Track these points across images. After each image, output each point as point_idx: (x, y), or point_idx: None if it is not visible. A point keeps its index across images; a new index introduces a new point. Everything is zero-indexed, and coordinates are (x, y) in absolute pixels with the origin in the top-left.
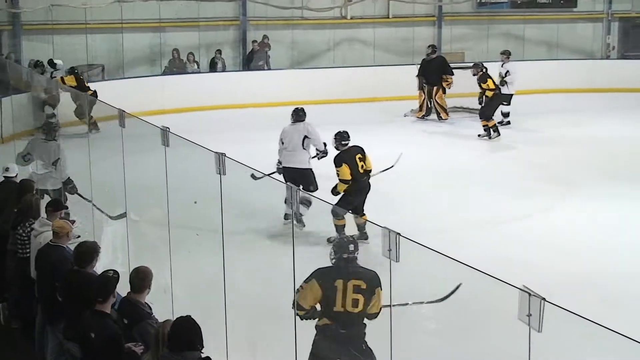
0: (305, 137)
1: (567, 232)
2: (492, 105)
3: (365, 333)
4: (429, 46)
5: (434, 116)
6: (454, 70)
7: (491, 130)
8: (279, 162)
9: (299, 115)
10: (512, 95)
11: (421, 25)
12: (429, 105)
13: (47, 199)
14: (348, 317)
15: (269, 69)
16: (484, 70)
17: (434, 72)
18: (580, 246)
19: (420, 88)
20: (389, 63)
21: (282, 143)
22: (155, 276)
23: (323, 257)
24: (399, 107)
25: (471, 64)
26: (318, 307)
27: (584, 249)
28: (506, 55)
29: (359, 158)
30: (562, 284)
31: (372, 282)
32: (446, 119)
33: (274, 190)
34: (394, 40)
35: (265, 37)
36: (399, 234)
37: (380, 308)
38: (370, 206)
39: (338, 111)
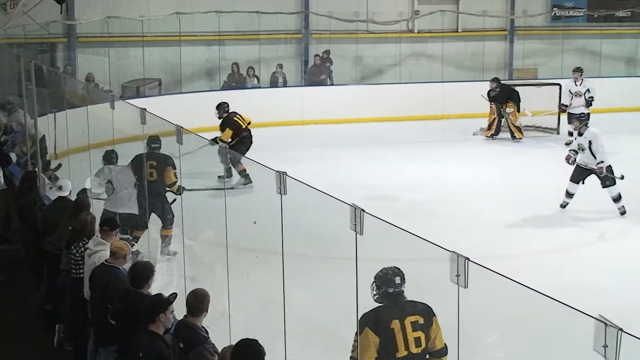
0: None
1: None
2: None
3: None
4: (492, 80)
5: (503, 135)
6: (525, 88)
7: None
8: None
9: None
10: (589, 114)
11: (492, 39)
12: (500, 124)
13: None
14: (413, 358)
15: (332, 84)
16: None
17: (499, 102)
18: None
19: (500, 114)
20: (458, 79)
21: None
22: (212, 299)
23: None
24: (467, 125)
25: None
26: None
27: None
28: (579, 72)
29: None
30: (639, 313)
31: (428, 314)
32: (520, 139)
33: (337, 211)
34: (463, 55)
35: (326, 51)
36: (467, 258)
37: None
38: (436, 229)
39: (403, 129)
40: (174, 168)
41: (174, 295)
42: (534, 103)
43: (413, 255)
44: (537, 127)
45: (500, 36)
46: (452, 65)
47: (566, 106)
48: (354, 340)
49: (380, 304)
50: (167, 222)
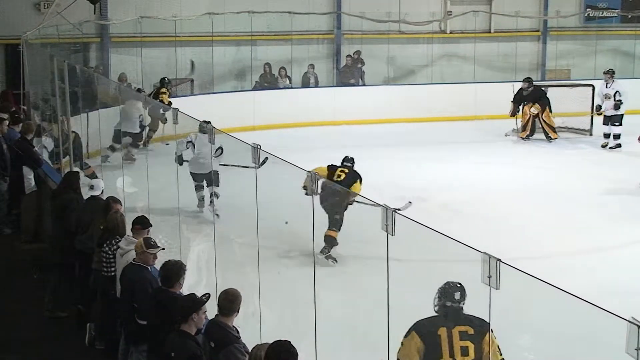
0: None
1: None
2: None
3: None
4: (524, 80)
5: (537, 136)
6: (558, 89)
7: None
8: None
9: None
10: (622, 115)
11: (524, 40)
12: (535, 125)
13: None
14: None
15: (364, 84)
16: None
17: (529, 100)
18: None
19: (513, 115)
20: (490, 80)
21: None
22: (243, 299)
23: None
24: (500, 125)
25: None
26: None
27: None
28: (609, 74)
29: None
30: None
31: (481, 328)
32: (555, 139)
33: (367, 212)
34: (496, 56)
35: (357, 52)
36: (499, 259)
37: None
38: (469, 231)
39: (436, 130)
40: None
41: (207, 296)
42: (567, 104)
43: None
44: (570, 128)
45: (532, 37)
46: (484, 66)
47: (601, 107)
48: (401, 343)
49: (437, 315)
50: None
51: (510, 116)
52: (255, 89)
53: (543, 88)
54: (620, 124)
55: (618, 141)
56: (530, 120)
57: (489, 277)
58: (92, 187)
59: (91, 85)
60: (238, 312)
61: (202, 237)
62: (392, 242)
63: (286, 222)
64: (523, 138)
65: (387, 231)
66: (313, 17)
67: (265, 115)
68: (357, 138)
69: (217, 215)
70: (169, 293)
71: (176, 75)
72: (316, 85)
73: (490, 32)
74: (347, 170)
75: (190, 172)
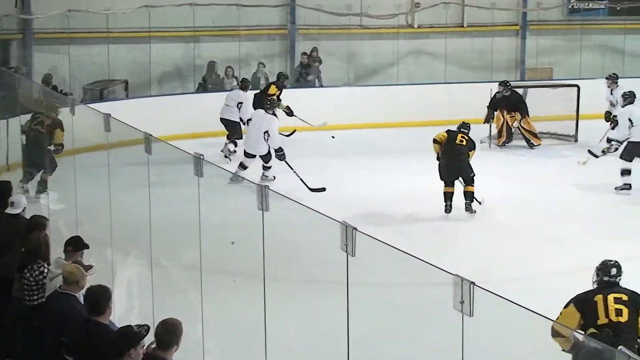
0: None
1: None
2: None
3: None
4: (500, 83)
5: (517, 142)
6: (540, 89)
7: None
8: None
9: None
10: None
11: (501, 35)
12: (511, 130)
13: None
14: (616, 326)
15: (321, 85)
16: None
17: (506, 108)
18: None
19: (487, 121)
20: (463, 80)
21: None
22: (184, 330)
23: (383, 317)
24: (475, 131)
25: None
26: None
27: None
28: (612, 79)
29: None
30: None
31: (634, 298)
32: (539, 145)
33: (326, 229)
34: (469, 53)
35: (314, 49)
36: (472, 283)
37: None
38: (439, 249)
39: (403, 136)
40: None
41: (145, 328)
42: (549, 107)
43: (412, 279)
44: (553, 134)
45: (511, 31)
46: (456, 64)
47: (611, 114)
48: (560, 313)
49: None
50: None
51: (484, 122)
52: (198, 91)
53: (519, 91)
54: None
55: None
56: (505, 126)
57: (462, 302)
58: (12, 204)
59: (11, 88)
60: (178, 345)
61: (135, 258)
62: (352, 264)
63: (233, 243)
64: (499, 145)
65: (346, 251)
66: (264, 10)
67: (210, 120)
68: (314, 145)
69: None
70: (101, 325)
71: (109, 76)
72: None
73: (463, 27)
74: (467, 137)
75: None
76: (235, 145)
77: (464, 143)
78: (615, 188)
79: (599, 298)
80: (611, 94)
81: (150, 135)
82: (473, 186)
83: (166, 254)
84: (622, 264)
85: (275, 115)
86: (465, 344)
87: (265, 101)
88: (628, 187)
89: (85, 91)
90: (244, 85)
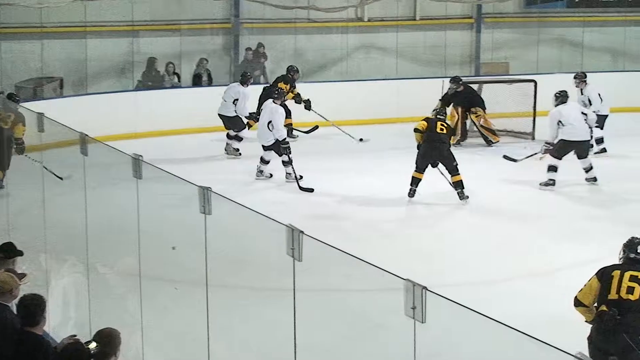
0: None
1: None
2: None
3: None
4: (452, 79)
5: (470, 140)
6: (495, 85)
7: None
8: None
9: None
10: (604, 117)
11: (455, 28)
12: (466, 128)
13: None
14: (624, 304)
15: (267, 82)
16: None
17: (461, 105)
18: None
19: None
20: (415, 75)
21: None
22: (123, 340)
23: (333, 325)
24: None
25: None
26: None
27: None
28: (579, 79)
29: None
30: None
31: None
32: (497, 142)
33: (272, 233)
34: (422, 47)
35: (260, 45)
36: (425, 287)
37: None
38: (391, 254)
39: (354, 134)
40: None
41: (95, 347)
42: (505, 103)
43: (362, 285)
44: (509, 131)
45: (465, 25)
46: (408, 59)
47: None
48: (584, 285)
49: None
50: None
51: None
52: (137, 88)
53: (474, 87)
54: (602, 127)
55: (603, 145)
56: (460, 124)
57: (413, 308)
58: None
59: None
60: (117, 356)
61: (71, 265)
62: (300, 269)
63: (174, 248)
64: (454, 144)
65: (293, 256)
66: (206, 3)
67: (150, 120)
68: (260, 146)
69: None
70: (35, 336)
71: (42, 74)
72: (210, 84)
73: (415, 20)
74: (446, 124)
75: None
76: (240, 141)
77: (445, 131)
78: (540, 184)
79: (616, 273)
80: (582, 93)
81: (86, 135)
82: (459, 174)
83: (103, 260)
84: (578, 268)
85: (284, 106)
86: (418, 351)
87: (273, 92)
88: (552, 182)
89: (18, 89)
90: (243, 79)
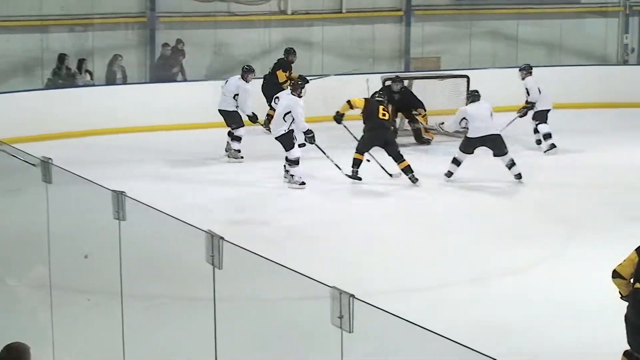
0: None
1: (573, 289)
2: None
3: None
4: (395, 80)
5: (401, 140)
6: (426, 81)
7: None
8: None
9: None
10: (547, 111)
11: (384, 22)
12: (396, 127)
13: None
14: None
15: (185, 80)
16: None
17: (400, 105)
18: (592, 306)
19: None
20: (343, 71)
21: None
22: (33, 355)
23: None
24: (357, 127)
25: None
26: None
27: (597, 310)
28: (526, 70)
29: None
30: (571, 355)
31: None
32: (432, 139)
33: (191, 239)
34: (349, 41)
35: (179, 41)
36: (352, 295)
37: None
38: (318, 260)
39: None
40: None
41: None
42: (437, 100)
43: (286, 293)
44: (443, 130)
45: (394, 18)
46: (334, 54)
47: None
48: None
49: None
50: None
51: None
52: (47, 87)
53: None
54: (544, 122)
55: (551, 141)
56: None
57: (340, 317)
58: None
59: None
60: None
61: None
62: (220, 277)
63: (86, 256)
64: None
65: (212, 263)
66: None
67: (60, 120)
68: (180, 147)
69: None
70: None
71: None
72: (125, 82)
73: (341, 12)
74: (387, 110)
75: None
76: (239, 141)
77: (387, 117)
78: (445, 174)
79: None
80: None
81: None
82: (405, 160)
83: (10, 270)
84: (518, 273)
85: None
86: None
87: (272, 81)
88: (448, 174)
89: None
90: (243, 73)
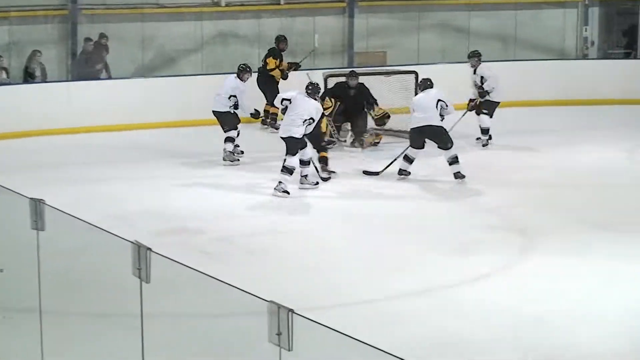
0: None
1: (529, 299)
2: None
3: None
4: (351, 75)
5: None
6: (372, 77)
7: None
8: None
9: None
10: (495, 105)
11: (326, 14)
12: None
13: None
14: None
15: (110, 77)
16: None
17: (354, 102)
18: (547, 316)
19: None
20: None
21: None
22: None
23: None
24: None
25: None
26: None
27: (553, 320)
28: (476, 57)
29: None
30: None
31: None
32: (379, 141)
33: (117, 251)
34: (288, 35)
35: (102, 35)
36: (291, 310)
37: None
38: (255, 272)
39: (211, 136)
40: None
41: None
42: (383, 97)
43: (221, 308)
44: (387, 130)
45: (336, 9)
46: None
47: (473, 100)
48: None
49: None
50: None
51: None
52: None
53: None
54: (491, 115)
55: (487, 136)
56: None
57: (278, 334)
58: None
59: None
60: None
61: None
62: (148, 292)
63: (1, 270)
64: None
65: (139, 277)
66: None
67: None
68: (100, 150)
69: None
70: None
71: None
72: (44, 80)
73: (279, 4)
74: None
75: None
76: (233, 142)
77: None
78: (398, 173)
79: None
80: (474, 73)
81: None
82: (326, 151)
83: None
84: (469, 284)
85: (276, 88)
86: None
87: (267, 73)
88: (406, 173)
89: None
90: (239, 73)
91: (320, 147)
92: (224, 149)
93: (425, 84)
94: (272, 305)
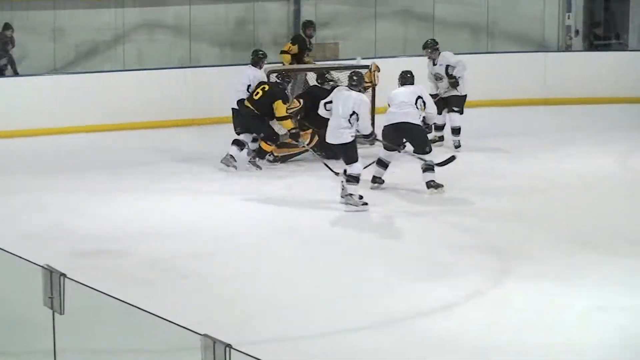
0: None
1: (505, 329)
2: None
3: None
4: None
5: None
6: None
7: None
8: None
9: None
10: (464, 99)
11: (268, 0)
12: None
13: None
14: None
15: (16, 73)
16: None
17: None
18: (523, 348)
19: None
20: (217, 62)
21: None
22: None
23: None
24: (226, 135)
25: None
26: None
27: (529, 354)
28: (431, 47)
29: None
30: None
31: None
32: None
33: (25, 276)
34: (224, 25)
35: (7, 26)
36: (229, 345)
37: None
38: (193, 301)
39: (135, 142)
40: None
41: None
42: None
43: (148, 343)
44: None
45: None
46: (207, 41)
47: (437, 95)
48: None
49: None
50: None
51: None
52: None
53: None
54: (461, 112)
55: (441, 133)
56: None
57: None
58: None
59: None
60: None
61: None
62: (62, 324)
63: None
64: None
65: (52, 307)
66: None
67: None
68: (6, 159)
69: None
70: None
71: None
72: None
73: None
74: (266, 87)
75: None
76: (242, 147)
77: (259, 96)
78: (371, 180)
79: None
80: (434, 64)
81: None
82: (269, 144)
83: None
84: (440, 312)
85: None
86: None
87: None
88: (380, 181)
89: None
90: (254, 60)
91: (269, 136)
92: (228, 154)
93: (404, 78)
94: (207, 339)
